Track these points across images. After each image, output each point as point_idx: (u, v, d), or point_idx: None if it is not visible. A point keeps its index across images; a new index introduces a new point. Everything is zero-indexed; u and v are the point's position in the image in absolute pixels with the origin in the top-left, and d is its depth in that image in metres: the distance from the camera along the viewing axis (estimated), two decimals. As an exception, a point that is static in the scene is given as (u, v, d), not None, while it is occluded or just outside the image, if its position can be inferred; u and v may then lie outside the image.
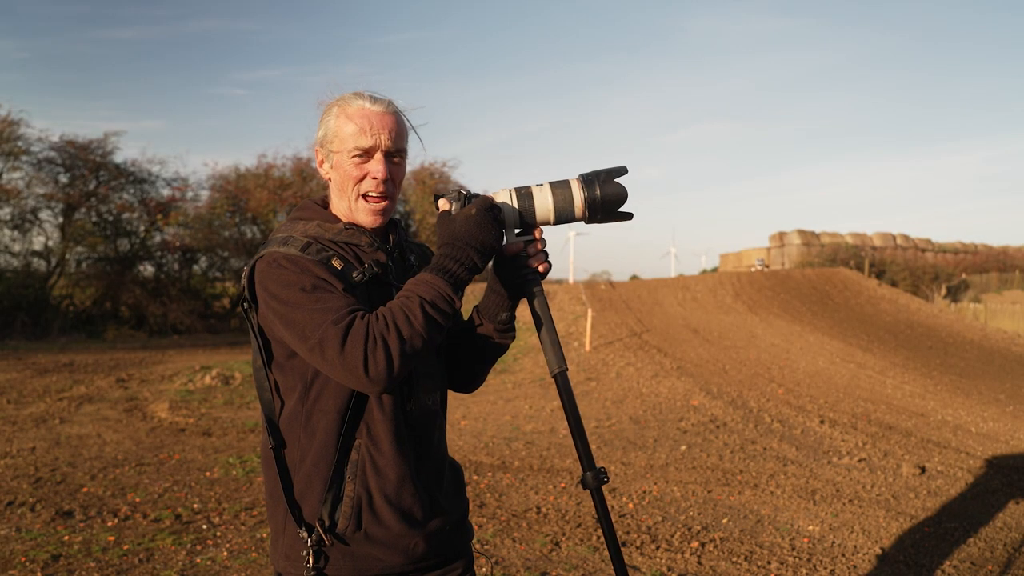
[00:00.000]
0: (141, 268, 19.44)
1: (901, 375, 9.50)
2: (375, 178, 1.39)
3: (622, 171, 1.36)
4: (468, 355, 1.55)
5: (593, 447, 5.76)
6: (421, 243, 1.66)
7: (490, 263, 1.42)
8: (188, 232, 19.54)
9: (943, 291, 22.55)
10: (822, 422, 6.69)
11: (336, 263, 1.33)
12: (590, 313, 11.71)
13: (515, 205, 1.35)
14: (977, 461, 5.41)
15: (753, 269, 20.74)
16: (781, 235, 28.52)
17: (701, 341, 11.62)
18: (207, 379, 9.03)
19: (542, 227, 1.39)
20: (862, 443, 5.95)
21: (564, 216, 1.35)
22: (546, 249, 1.41)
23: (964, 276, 25.48)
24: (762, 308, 15.09)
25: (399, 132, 1.41)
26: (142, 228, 19.50)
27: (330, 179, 1.43)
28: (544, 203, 1.35)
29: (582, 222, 1.37)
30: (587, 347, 10.82)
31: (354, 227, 1.41)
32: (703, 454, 5.61)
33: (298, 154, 20.66)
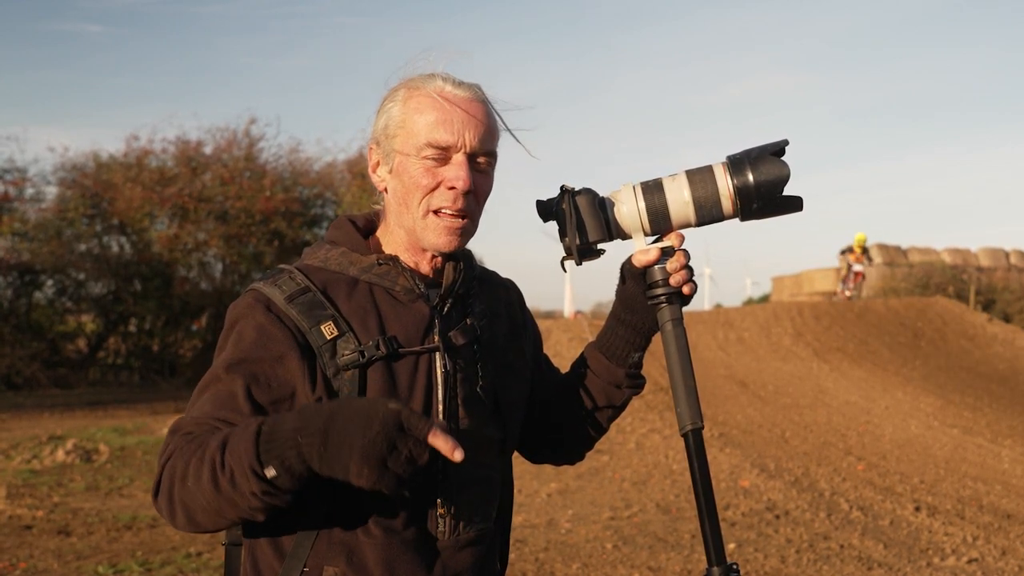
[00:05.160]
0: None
1: (1023, 444, 9.77)
2: (453, 188, 1.36)
3: (780, 147, 1.37)
4: (578, 415, 1.51)
5: (608, 546, 5.87)
6: (493, 278, 1.58)
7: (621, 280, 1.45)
8: (27, 245, 19.38)
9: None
10: (918, 509, 6.88)
11: (327, 329, 1.32)
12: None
13: (640, 204, 1.39)
14: None
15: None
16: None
17: (751, 398, 11.82)
18: (60, 454, 8.94)
19: (682, 231, 1.42)
20: (972, 537, 6.14)
21: (709, 213, 1.38)
22: (691, 264, 1.41)
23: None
24: (833, 352, 15.38)
25: (489, 128, 1.40)
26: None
27: (386, 188, 1.43)
28: (679, 198, 1.38)
29: (735, 219, 1.39)
30: (594, 407, 10.91)
31: (391, 262, 1.40)
32: (759, 555, 5.74)
33: (184, 135, 20.69)
